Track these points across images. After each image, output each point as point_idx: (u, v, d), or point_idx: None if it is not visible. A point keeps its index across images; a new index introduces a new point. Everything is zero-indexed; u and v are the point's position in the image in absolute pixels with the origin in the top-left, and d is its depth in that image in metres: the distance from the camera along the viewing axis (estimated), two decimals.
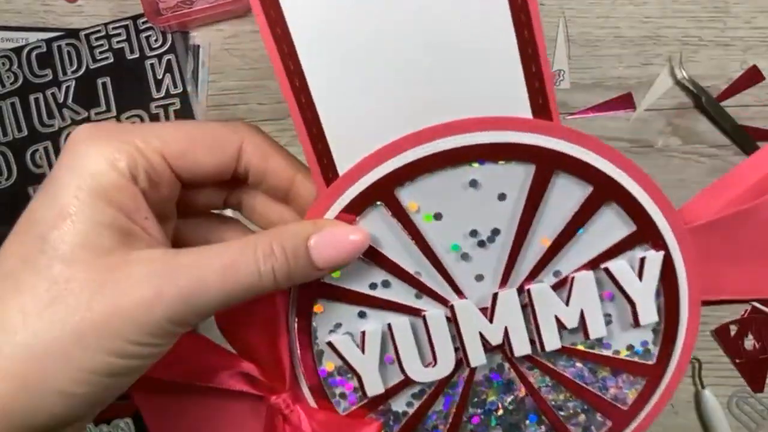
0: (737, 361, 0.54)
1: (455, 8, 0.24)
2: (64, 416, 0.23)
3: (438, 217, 0.27)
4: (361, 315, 0.28)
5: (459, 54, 0.24)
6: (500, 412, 0.30)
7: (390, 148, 0.25)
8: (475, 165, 0.26)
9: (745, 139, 0.55)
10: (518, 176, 0.26)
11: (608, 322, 0.29)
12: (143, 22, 0.58)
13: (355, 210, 0.26)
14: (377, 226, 0.27)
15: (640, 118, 0.56)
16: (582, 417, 0.31)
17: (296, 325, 0.28)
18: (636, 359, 0.29)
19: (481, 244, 0.27)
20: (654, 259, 0.27)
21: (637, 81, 0.57)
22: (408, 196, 0.26)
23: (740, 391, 0.54)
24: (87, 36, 0.58)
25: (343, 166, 0.26)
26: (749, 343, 0.54)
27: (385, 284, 0.28)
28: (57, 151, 0.57)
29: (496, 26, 0.24)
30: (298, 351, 0.28)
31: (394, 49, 0.24)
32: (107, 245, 0.23)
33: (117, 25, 0.58)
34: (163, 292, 0.22)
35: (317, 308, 0.28)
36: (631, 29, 0.57)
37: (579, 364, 0.30)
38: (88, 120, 0.57)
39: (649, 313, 0.28)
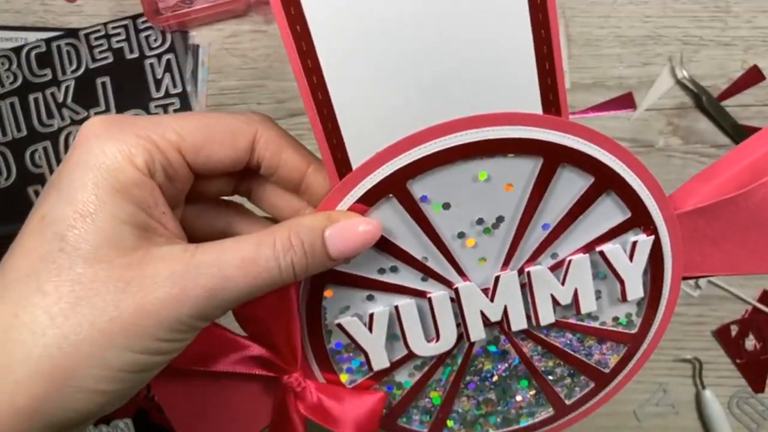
0: (738, 361, 0.54)
1: (474, 6, 0.24)
2: (92, 412, 0.23)
3: (446, 206, 0.28)
4: (370, 298, 0.29)
5: (475, 51, 0.25)
6: (495, 378, 0.33)
7: (403, 144, 0.26)
8: (486, 158, 0.27)
9: (745, 138, 0.55)
10: (526, 169, 0.27)
11: (598, 298, 0.31)
12: (143, 22, 0.58)
13: (367, 202, 0.27)
14: (388, 217, 0.27)
15: (640, 117, 0.56)
16: (568, 380, 0.33)
17: (306, 308, 0.29)
18: (620, 329, 0.32)
19: (486, 230, 0.29)
20: (645, 242, 0.29)
21: (637, 81, 0.57)
22: (419, 188, 0.27)
23: (741, 391, 0.54)
24: (86, 36, 0.58)
25: (356, 160, 0.26)
26: (750, 343, 0.54)
27: (393, 269, 0.29)
28: (56, 151, 0.57)
29: (513, 24, 0.24)
30: (308, 332, 0.30)
31: (410, 46, 0.25)
32: (128, 243, 0.23)
33: (116, 24, 0.58)
34: (187, 291, 0.23)
35: (327, 293, 0.29)
36: (632, 29, 0.57)
37: (569, 335, 0.32)
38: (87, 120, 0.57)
39: (636, 290, 0.30)
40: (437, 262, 0.29)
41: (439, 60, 0.25)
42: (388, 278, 0.29)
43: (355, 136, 0.26)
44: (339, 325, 0.29)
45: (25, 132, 0.57)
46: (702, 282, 0.54)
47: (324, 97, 0.25)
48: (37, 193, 0.57)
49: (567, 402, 0.34)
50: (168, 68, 0.58)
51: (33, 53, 0.58)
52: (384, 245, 0.28)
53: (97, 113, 0.57)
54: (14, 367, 0.22)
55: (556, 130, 0.27)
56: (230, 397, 0.32)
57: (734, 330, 0.54)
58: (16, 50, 0.58)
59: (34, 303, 0.22)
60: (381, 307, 0.29)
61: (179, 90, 0.57)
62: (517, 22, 0.24)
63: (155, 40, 0.58)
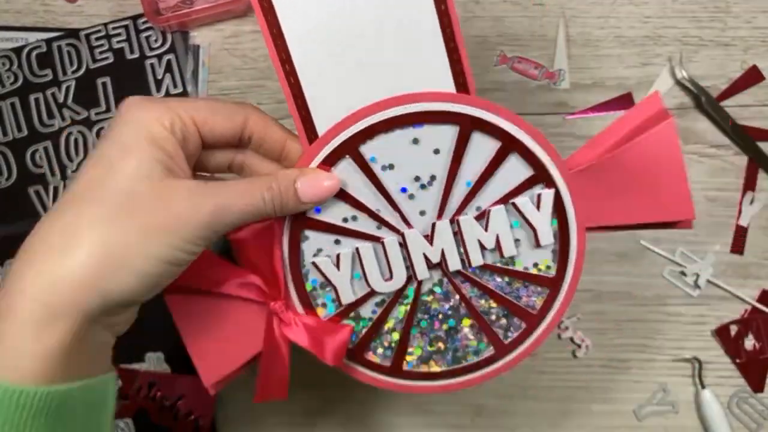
0: (737, 361, 0.54)
1: (400, 21, 0.34)
2: (136, 293, 0.31)
3: (391, 167, 0.37)
4: (336, 242, 0.38)
5: (406, 49, 0.35)
6: (441, 316, 0.39)
7: (354, 117, 0.35)
8: (416, 127, 0.36)
9: (744, 138, 0.55)
10: (447, 135, 0.36)
11: (518, 245, 0.38)
12: (143, 22, 0.58)
13: (330, 162, 0.36)
14: (347, 174, 0.36)
15: None
16: (503, 321, 0.40)
17: (288, 250, 0.37)
18: (541, 273, 0.39)
19: (423, 187, 0.37)
20: (547, 194, 0.37)
21: (637, 81, 0.57)
22: (368, 150, 0.36)
23: (741, 391, 0.54)
24: (87, 36, 0.58)
25: (321, 130, 0.35)
26: (749, 343, 0.54)
27: (354, 218, 0.37)
28: (57, 151, 0.57)
29: (429, 33, 0.35)
30: (291, 273, 0.38)
31: (357, 47, 0.34)
32: (158, 174, 0.31)
33: (117, 25, 0.58)
34: (200, 208, 0.31)
35: (306, 238, 0.37)
36: (631, 29, 0.57)
37: (498, 278, 0.39)
38: (88, 120, 0.57)
39: (546, 236, 0.38)
40: (388, 213, 0.37)
41: (379, 56, 0.35)
42: (350, 225, 0.37)
43: (321, 113, 0.35)
44: (314, 264, 0.38)
45: (25, 132, 0.57)
46: (701, 282, 0.54)
47: (295, 82, 0.34)
48: (37, 193, 0.57)
49: (505, 342, 0.40)
50: (168, 68, 0.58)
51: (33, 53, 0.58)
52: (345, 197, 0.37)
53: (97, 113, 0.57)
54: (77, 252, 0.29)
55: (465, 104, 0.36)
56: (231, 318, 0.39)
57: (734, 330, 0.54)
58: (17, 50, 0.58)
59: (85, 211, 0.30)
60: (346, 249, 0.37)
61: (180, 90, 0.57)
62: (431, 30, 0.34)
63: (156, 41, 0.58)
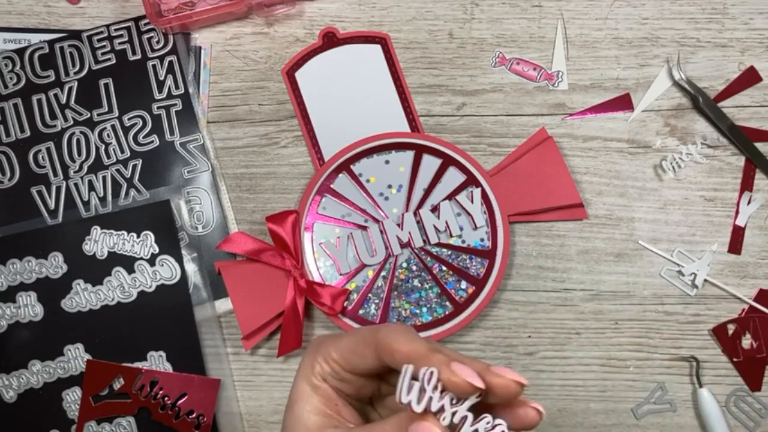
0: (735, 360, 0.54)
1: (374, 92, 0.57)
2: None
3: (372, 179, 0.56)
4: (337, 230, 0.55)
5: (378, 109, 0.57)
6: (411, 283, 0.54)
7: (347, 147, 0.56)
8: (387, 153, 0.56)
9: (742, 139, 0.56)
10: (408, 157, 0.56)
11: (461, 228, 0.54)
12: (145, 24, 0.59)
13: (332, 177, 0.55)
14: (344, 184, 0.55)
15: (638, 118, 0.57)
16: (457, 285, 0.54)
17: (305, 234, 0.55)
18: (479, 247, 0.54)
19: (395, 191, 0.55)
20: (477, 191, 0.55)
21: (635, 82, 0.57)
22: (357, 169, 0.56)
23: (738, 389, 0.54)
24: (89, 37, 0.59)
25: (327, 156, 0.57)
26: (747, 342, 0.54)
27: (348, 214, 0.55)
28: (60, 152, 0.58)
29: (391, 98, 0.57)
30: (305, 249, 0.55)
31: (348, 106, 0.56)
32: (313, 423, 0.33)
33: (119, 26, 0.59)
34: None
35: (315, 228, 0.55)
36: (629, 31, 0.58)
37: (449, 251, 0.54)
38: (90, 121, 0.58)
39: (480, 220, 0.54)
40: (371, 210, 0.55)
41: (361, 110, 0.57)
42: (347, 219, 0.55)
43: (327, 146, 0.57)
44: (321, 244, 0.55)
45: (28, 133, 0.58)
46: (699, 281, 0.54)
47: (311, 132, 0.56)
48: (40, 194, 0.57)
49: (459, 301, 0.54)
50: (170, 70, 0.58)
51: (36, 55, 0.59)
52: (343, 200, 0.55)
53: (99, 114, 0.58)
54: None
55: (417, 138, 0.56)
56: (265, 280, 0.54)
57: (731, 329, 0.54)
58: (20, 52, 0.59)
59: None
60: (343, 234, 0.55)
61: (181, 91, 0.58)
62: (392, 97, 0.57)
63: (157, 42, 0.58)
